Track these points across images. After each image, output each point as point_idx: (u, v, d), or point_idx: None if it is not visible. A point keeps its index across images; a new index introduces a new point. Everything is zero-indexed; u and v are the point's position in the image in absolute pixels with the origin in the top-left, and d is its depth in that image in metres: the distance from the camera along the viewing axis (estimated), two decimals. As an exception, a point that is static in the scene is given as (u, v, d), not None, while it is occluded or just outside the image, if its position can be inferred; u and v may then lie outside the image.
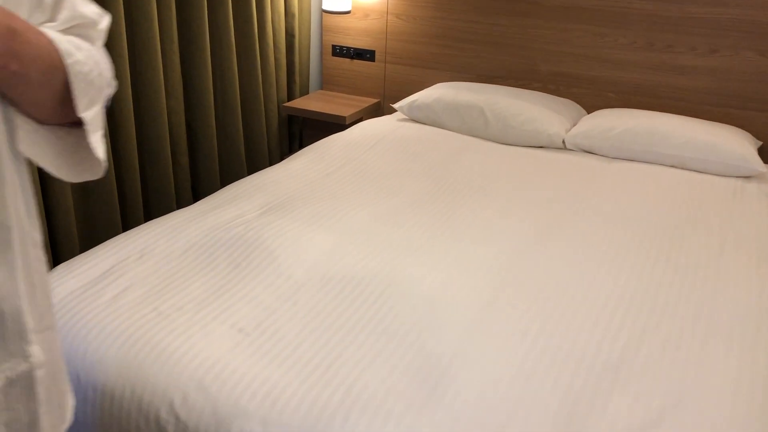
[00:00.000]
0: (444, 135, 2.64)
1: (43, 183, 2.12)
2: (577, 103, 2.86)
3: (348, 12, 3.08)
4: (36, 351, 0.73)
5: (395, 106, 2.84)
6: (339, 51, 3.28)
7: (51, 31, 0.73)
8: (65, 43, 0.73)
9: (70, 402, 0.87)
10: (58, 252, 2.22)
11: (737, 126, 2.63)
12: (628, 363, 1.36)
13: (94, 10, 0.82)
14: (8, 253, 0.68)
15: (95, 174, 0.80)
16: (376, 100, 3.23)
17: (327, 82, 3.37)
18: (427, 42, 3.06)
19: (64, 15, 0.77)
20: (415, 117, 2.78)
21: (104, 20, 0.85)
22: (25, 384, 0.72)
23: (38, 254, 0.76)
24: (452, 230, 1.87)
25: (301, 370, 1.30)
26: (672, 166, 2.40)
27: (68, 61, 0.73)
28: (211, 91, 2.68)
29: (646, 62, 2.70)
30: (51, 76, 0.71)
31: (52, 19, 0.76)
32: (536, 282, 1.63)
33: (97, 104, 0.78)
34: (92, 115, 0.76)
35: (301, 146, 3.35)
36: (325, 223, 1.86)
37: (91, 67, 0.76)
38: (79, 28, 0.80)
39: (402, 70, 3.16)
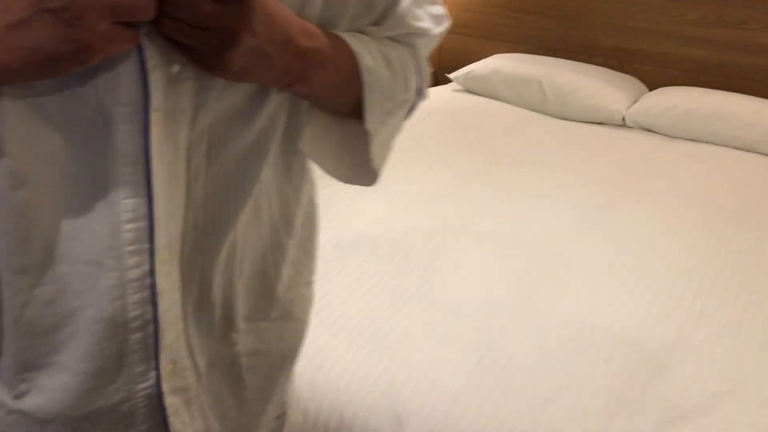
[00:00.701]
0: (500, 107, 2.60)
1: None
2: (639, 80, 2.76)
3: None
4: (242, 339, 0.72)
5: (451, 76, 2.80)
6: (396, 19, 3.24)
7: (346, 35, 0.66)
8: (363, 53, 0.67)
9: (289, 392, 0.86)
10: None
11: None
12: (684, 345, 1.32)
13: (432, 13, 0.72)
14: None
15: (367, 183, 0.77)
16: (430, 70, 3.18)
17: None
18: (487, 12, 2.99)
19: (391, 22, 0.69)
20: (471, 88, 2.74)
21: (440, 26, 0.75)
22: (228, 369, 0.72)
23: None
24: (507, 203, 1.84)
25: (348, 335, 1.30)
26: (737, 148, 2.31)
27: (365, 78, 0.67)
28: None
29: (716, 39, 2.59)
30: (348, 85, 0.68)
31: (377, 23, 0.69)
32: (592, 258, 1.59)
33: (394, 116, 0.73)
34: (382, 128, 0.71)
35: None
36: (378, 190, 1.85)
37: (393, 75, 0.70)
38: (405, 36, 0.73)
39: (459, 39, 3.11)
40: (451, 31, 3.06)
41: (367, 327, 1.32)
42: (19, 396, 0.63)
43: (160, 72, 0.54)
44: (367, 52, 0.67)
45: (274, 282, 0.75)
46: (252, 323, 0.74)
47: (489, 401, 1.17)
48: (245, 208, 0.66)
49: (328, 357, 1.25)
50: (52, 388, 0.63)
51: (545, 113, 2.58)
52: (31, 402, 0.63)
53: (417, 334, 1.31)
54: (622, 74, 2.71)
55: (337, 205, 1.74)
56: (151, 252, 0.58)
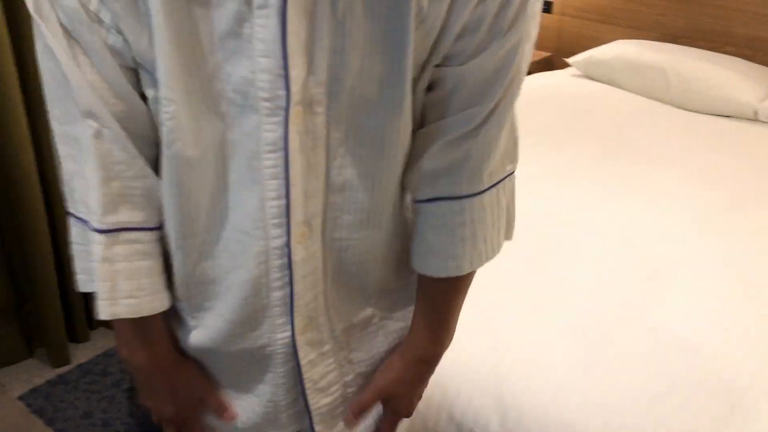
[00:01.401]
0: (620, 95, 2.51)
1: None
2: (776, 71, 2.59)
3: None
4: (375, 304, 0.83)
5: (570, 60, 2.73)
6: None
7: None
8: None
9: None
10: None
11: None
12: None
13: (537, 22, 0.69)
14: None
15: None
16: (548, 54, 3.12)
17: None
18: (611, -5, 2.89)
19: (497, 44, 0.66)
20: (590, 74, 2.66)
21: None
22: (362, 329, 0.83)
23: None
24: (624, 193, 1.79)
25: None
26: None
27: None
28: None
29: None
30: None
31: (485, 45, 0.66)
32: (715, 257, 1.53)
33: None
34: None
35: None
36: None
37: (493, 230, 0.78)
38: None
39: (580, 24, 3.02)
40: (570, 14, 3.00)
41: (475, 308, 1.33)
42: (189, 331, 0.78)
43: (299, 68, 0.61)
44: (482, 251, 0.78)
45: (404, 255, 0.82)
46: (384, 291, 0.83)
47: (596, 391, 1.16)
48: (382, 192, 0.72)
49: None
50: (210, 327, 0.77)
51: (668, 103, 2.47)
52: (196, 337, 0.78)
53: (525, 319, 1.31)
54: (757, 65, 2.55)
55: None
56: (289, 226, 0.68)
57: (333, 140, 0.67)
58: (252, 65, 0.60)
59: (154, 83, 0.64)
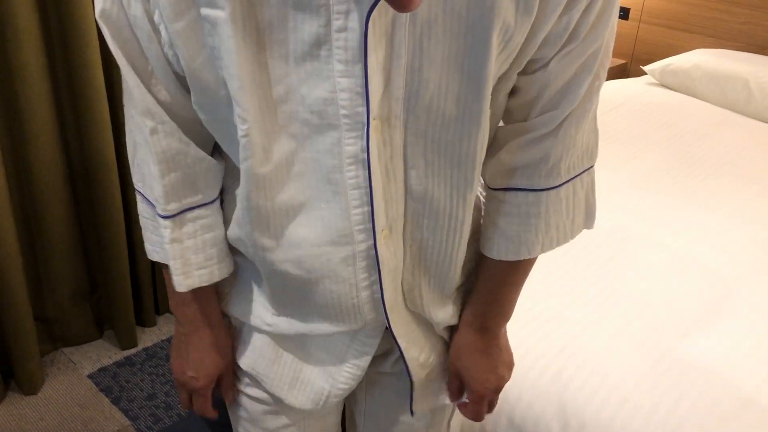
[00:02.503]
0: (697, 105, 2.43)
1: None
2: None
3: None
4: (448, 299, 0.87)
5: (646, 68, 2.67)
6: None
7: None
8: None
9: None
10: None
11: None
12: None
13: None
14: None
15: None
16: (623, 61, 3.05)
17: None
18: (689, 2, 2.80)
19: (578, 50, 0.67)
20: (667, 83, 2.59)
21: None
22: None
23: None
24: (699, 204, 1.74)
25: (521, 318, 1.30)
26: None
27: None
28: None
29: None
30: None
31: (567, 51, 0.67)
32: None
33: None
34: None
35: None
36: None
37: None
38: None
39: (657, 31, 2.94)
40: (647, 21, 2.92)
41: (540, 314, 1.32)
42: (271, 323, 0.83)
43: (376, 86, 0.63)
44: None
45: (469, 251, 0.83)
46: (461, 288, 0.86)
47: (662, 406, 1.12)
48: (461, 198, 0.74)
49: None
50: (301, 322, 0.81)
51: (749, 115, 2.38)
52: (283, 326, 0.82)
53: (591, 327, 1.28)
54: None
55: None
56: (373, 230, 0.71)
57: (411, 151, 0.69)
58: (331, 86, 0.62)
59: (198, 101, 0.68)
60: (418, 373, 0.87)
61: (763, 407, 1.12)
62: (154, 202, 0.75)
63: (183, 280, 0.77)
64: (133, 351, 2.04)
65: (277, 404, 0.90)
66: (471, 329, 0.87)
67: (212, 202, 0.77)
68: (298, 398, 0.88)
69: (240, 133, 0.65)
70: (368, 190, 0.68)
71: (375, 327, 0.83)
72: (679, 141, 2.13)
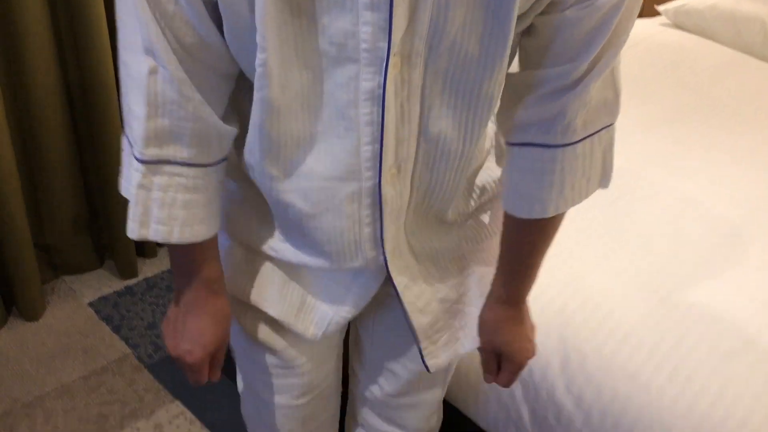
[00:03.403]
0: (712, 47, 2.37)
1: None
2: None
3: None
4: (449, 233, 0.87)
5: (660, 8, 2.59)
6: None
7: None
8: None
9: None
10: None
11: None
12: None
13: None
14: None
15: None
16: None
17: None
18: (711, -59, 2.70)
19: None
20: (681, 23, 2.52)
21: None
22: (442, 254, 0.88)
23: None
24: (710, 148, 1.70)
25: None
26: None
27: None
28: None
29: None
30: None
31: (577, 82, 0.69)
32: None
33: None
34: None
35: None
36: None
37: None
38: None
39: (674, -29, 2.84)
40: (667, -41, 2.81)
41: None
42: (278, 249, 0.83)
43: (400, 21, 0.61)
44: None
45: (481, 186, 0.85)
46: (462, 215, 0.86)
47: (664, 345, 1.12)
48: (474, 140, 0.73)
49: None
50: (303, 258, 0.81)
51: (765, 59, 2.32)
52: (289, 254, 0.82)
53: (596, 265, 1.27)
54: None
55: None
56: (380, 169, 0.70)
57: (429, 91, 0.68)
58: (353, 18, 0.61)
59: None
60: (418, 320, 0.87)
61: (764, 348, 1.12)
62: (132, 142, 0.71)
63: (137, 227, 0.73)
64: (133, 281, 2.04)
65: (280, 328, 0.91)
66: (501, 303, 0.87)
67: (203, 165, 0.73)
68: (304, 324, 0.88)
69: (258, 61, 0.63)
70: (380, 127, 0.67)
71: (377, 268, 0.82)
72: (692, 84, 2.09)
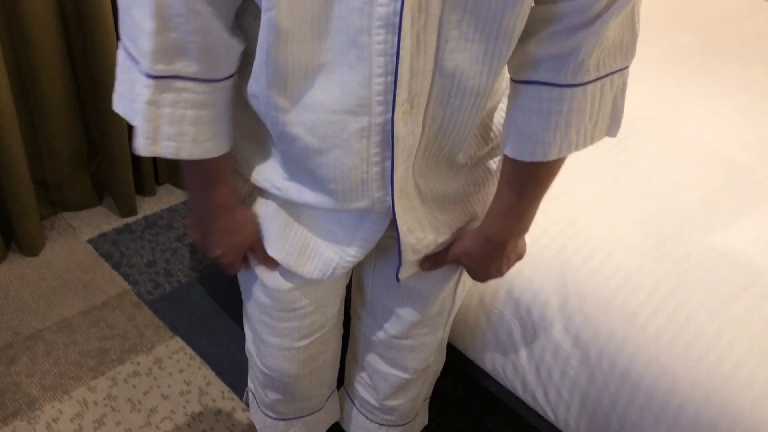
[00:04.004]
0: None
1: None
2: None
3: None
4: (457, 175, 0.87)
5: (673, -52, 2.51)
6: None
7: None
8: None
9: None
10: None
11: None
12: None
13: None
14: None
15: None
16: (649, -58, 2.87)
17: None
18: None
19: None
20: (694, -35, 2.45)
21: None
22: (447, 196, 0.87)
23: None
24: (718, 91, 1.67)
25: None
26: None
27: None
28: None
29: None
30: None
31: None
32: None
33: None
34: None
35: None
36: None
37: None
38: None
39: None
40: None
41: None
42: (281, 187, 0.81)
43: None
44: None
45: (493, 130, 0.84)
46: (473, 158, 0.84)
47: (664, 287, 1.12)
48: (492, 78, 0.70)
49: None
50: (310, 194, 0.79)
51: (777, 2, 2.27)
52: (293, 192, 0.81)
53: (597, 206, 1.26)
54: None
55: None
56: (393, 103, 0.67)
57: (447, 22, 0.64)
58: None
59: None
60: (408, 256, 0.87)
61: (764, 289, 1.11)
62: (139, 59, 0.68)
63: (147, 144, 0.72)
64: (132, 219, 2.04)
65: (285, 271, 0.90)
66: (480, 238, 0.85)
67: (212, 81, 0.71)
68: (306, 267, 0.87)
69: None
70: (395, 58, 0.64)
71: (383, 210, 0.80)
72: (703, 25, 2.04)
